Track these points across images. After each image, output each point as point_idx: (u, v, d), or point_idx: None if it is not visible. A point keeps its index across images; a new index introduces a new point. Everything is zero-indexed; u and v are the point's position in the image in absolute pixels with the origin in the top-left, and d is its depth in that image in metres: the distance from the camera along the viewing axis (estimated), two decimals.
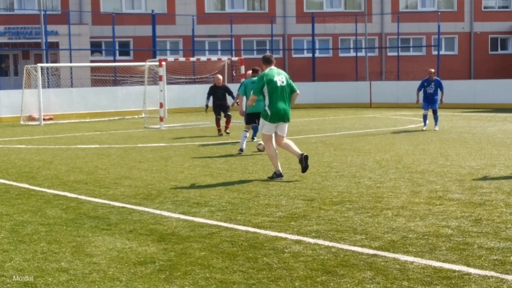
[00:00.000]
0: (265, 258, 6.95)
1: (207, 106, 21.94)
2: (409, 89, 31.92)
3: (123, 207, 9.72)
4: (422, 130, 22.32)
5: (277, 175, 12.20)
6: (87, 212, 9.41)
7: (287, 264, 6.73)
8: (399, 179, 11.91)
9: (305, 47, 46.21)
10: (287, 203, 9.87)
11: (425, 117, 22.89)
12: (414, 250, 7.17)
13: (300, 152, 12.36)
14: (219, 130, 21.59)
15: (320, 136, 20.87)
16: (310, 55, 44.23)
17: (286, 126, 12.53)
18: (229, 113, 21.68)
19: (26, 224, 8.71)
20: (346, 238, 7.71)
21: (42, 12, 35.60)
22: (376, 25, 46.57)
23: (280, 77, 12.72)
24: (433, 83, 22.98)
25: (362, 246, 7.37)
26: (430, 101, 22.90)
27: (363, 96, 39.13)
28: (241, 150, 16.35)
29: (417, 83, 34.42)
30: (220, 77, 22.03)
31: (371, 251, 7.14)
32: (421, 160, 14.41)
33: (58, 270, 6.62)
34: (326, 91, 39.66)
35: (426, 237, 7.70)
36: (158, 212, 9.37)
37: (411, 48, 47.69)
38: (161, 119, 25.23)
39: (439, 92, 22.94)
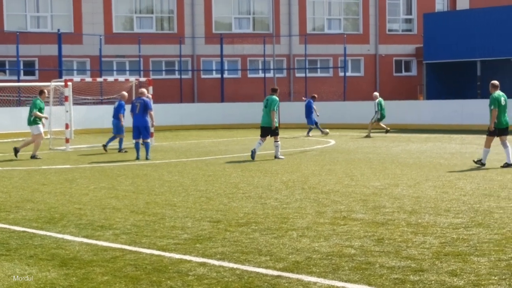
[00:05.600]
0: (169, 282, 6.89)
1: None
2: (317, 110, 32.32)
3: (24, 232, 9.46)
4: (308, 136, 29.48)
5: None
6: None
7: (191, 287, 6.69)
8: (305, 199, 12.03)
9: (213, 68, 46.27)
10: (193, 225, 9.82)
11: (311, 129, 30.98)
12: (318, 270, 7.24)
13: None
14: None
15: (228, 157, 20.89)
16: (219, 75, 44.35)
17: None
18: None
19: None
20: (251, 260, 7.72)
21: None
22: (284, 47, 47.09)
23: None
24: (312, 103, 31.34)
25: (267, 267, 7.39)
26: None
27: None
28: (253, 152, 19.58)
29: (326, 104, 35.03)
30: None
31: (275, 272, 7.17)
32: (327, 181, 14.60)
33: None
34: (234, 112, 39.87)
35: (329, 257, 7.79)
36: (60, 236, 9.16)
37: (318, 70, 48.41)
38: (67, 140, 24.76)
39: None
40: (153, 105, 21.48)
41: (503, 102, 17.05)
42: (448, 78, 40.83)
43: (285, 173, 16.22)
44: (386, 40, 49.03)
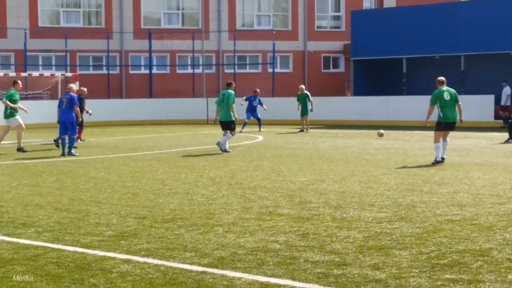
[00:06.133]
0: (91, 279, 6.79)
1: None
2: (245, 105, 32.44)
3: None
4: (241, 132, 28.93)
5: None
6: None
7: (114, 285, 6.62)
8: (232, 195, 12.04)
9: (142, 63, 45.88)
10: (118, 221, 9.71)
11: (245, 123, 31.10)
12: (243, 266, 7.25)
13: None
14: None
15: (156, 153, 20.76)
16: (147, 71, 44.04)
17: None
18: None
19: None
20: (176, 256, 7.68)
21: None
22: (213, 42, 46.99)
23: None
24: (257, 98, 32.28)
25: (192, 263, 7.36)
26: (253, 112, 31.91)
27: (200, 113, 39.43)
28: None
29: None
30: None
31: (200, 268, 7.15)
32: (254, 176, 14.64)
33: None
34: (163, 108, 39.66)
35: (254, 252, 7.81)
36: None
37: (247, 66, 48.49)
38: None
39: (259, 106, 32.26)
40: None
41: (446, 97, 16.91)
42: (375, 74, 41.41)
43: (212, 168, 16.20)
44: (314, 37, 49.43)
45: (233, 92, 20.99)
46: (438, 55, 38.38)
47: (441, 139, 16.96)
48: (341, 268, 7.08)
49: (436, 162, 16.64)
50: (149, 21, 46.42)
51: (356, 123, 35.34)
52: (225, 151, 20.12)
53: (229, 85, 21.35)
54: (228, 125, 20.75)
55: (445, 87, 17.14)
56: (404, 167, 16.21)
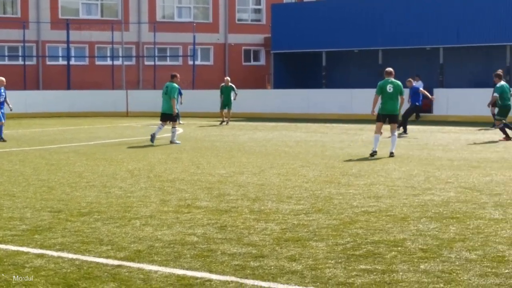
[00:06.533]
0: (3, 275, 6.63)
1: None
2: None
3: None
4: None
5: None
6: None
7: (26, 280, 6.46)
8: (150, 188, 11.94)
9: (60, 54, 45.04)
10: (32, 215, 9.51)
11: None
12: (159, 259, 7.20)
13: None
14: None
15: (73, 145, 20.42)
16: (65, 62, 43.24)
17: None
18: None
19: None
20: (92, 250, 7.57)
21: None
22: (133, 34, 46.50)
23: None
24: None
25: (107, 257, 7.27)
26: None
27: (119, 105, 38.99)
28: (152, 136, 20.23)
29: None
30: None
31: (116, 262, 7.06)
32: (173, 169, 14.56)
33: None
34: (81, 100, 39.03)
35: (172, 245, 7.76)
36: None
37: (168, 58, 48.18)
38: None
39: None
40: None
41: (389, 90, 17.01)
42: (295, 68, 41.72)
43: (131, 161, 16.04)
44: (235, 30, 49.47)
45: (176, 85, 21.18)
46: (356, 49, 38.92)
47: (380, 131, 17.04)
48: (258, 260, 7.10)
49: (373, 153, 16.78)
50: (67, 11, 45.58)
51: (276, 115, 35.53)
52: (174, 142, 20.59)
53: (173, 77, 21.42)
54: (168, 117, 21.12)
55: (391, 79, 17.23)
56: (323, 159, 16.38)
